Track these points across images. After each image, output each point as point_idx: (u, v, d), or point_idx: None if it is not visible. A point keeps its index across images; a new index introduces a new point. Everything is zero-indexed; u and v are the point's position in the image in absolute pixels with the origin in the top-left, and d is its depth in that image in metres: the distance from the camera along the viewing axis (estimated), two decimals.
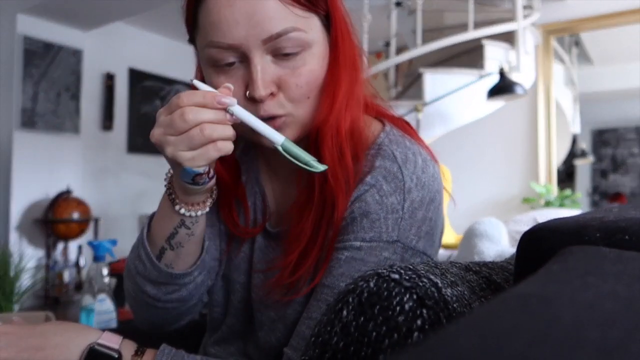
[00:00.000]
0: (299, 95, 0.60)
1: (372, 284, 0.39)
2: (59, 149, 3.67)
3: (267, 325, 0.70)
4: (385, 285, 0.39)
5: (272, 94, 0.59)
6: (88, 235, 3.66)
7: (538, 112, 3.58)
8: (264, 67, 0.58)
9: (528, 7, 3.22)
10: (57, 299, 3.41)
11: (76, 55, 3.75)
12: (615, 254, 0.34)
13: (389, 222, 0.61)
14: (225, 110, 0.55)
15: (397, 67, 3.58)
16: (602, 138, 4.19)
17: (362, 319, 0.38)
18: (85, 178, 3.88)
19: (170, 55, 4.33)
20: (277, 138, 0.57)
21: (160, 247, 0.66)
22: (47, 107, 3.58)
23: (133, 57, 4.25)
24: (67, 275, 3.52)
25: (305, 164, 0.56)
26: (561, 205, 3.27)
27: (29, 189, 3.51)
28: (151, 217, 0.69)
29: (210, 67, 0.61)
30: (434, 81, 2.94)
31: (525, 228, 0.42)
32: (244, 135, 0.62)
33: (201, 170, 0.57)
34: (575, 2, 3.47)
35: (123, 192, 4.08)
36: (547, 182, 3.53)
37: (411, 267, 0.42)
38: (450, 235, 3.00)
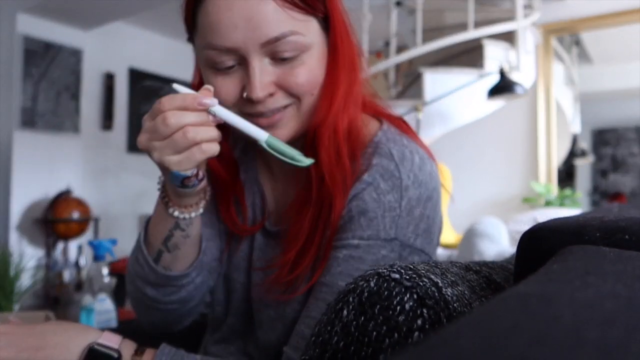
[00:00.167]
0: (302, 92, 0.60)
1: (372, 284, 0.39)
2: (59, 149, 3.67)
3: (267, 324, 0.70)
4: (385, 284, 0.39)
5: (270, 95, 0.59)
6: (88, 234, 3.66)
7: (538, 112, 3.58)
8: (262, 70, 0.58)
9: (528, 6, 3.22)
10: (57, 298, 3.41)
11: (76, 55, 3.74)
12: (616, 253, 0.34)
13: (386, 220, 0.61)
14: (207, 111, 0.55)
15: (397, 66, 3.58)
16: (602, 138, 4.19)
17: (362, 318, 0.38)
18: (85, 178, 3.88)
19: (170, 55, 4.33)
20: (261, 135, 0.57)
21: (158, 250, 0.67)
22: (47, 107, 3.58)
23: (133, 57, 4.24)
24: (67, 275, 3.52)
25: (292, 159, 0.56)
26: (561, 205, 3.27)
27: (29, 189, 3.51)
28: (148, 220, 0.69)
29: (208, 69, 0.61)
30: (434, 81, 2.94)
31: (525, 228, 0.42)
32: (242, 136, 0.63)
33: (189, 173, 0.57)
34: (576, 2, 3.47)
35: (123, 191, 4.08)
36: (547, 181, 3.53)
37: (411, 266, 0.42)
38: (451, 235, 3.00)
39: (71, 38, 3.71)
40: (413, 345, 0.23)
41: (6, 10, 3.41)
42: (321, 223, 0.63)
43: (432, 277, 0.41)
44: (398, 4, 3.41)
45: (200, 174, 0.60)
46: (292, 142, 0.63)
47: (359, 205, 0.62)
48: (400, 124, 0.70)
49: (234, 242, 0.76)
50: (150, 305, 0.71)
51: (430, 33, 3.29)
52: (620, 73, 3.84)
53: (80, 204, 3.56)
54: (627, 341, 0.19)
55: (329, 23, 0.62)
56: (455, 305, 0.39)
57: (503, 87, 2.66)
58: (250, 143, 0.70)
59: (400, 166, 0.62)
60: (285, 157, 0.57)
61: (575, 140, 3.97)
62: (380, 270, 0.40)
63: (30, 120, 3.49)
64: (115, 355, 0.56)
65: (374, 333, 0.37)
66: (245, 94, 0.59)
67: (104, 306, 1.22)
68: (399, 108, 2.81)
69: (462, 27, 3.00)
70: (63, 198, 3.52)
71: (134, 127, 4.17)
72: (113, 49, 4.09)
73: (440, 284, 0.40)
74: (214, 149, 0.56)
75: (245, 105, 0.60)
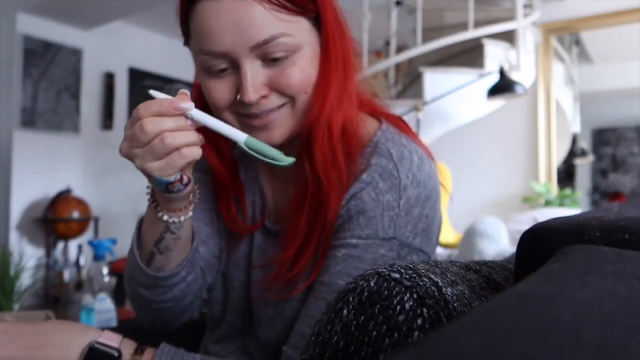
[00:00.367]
0: (294, 92, 0.60)
1: (372, 283, 0.39)
2: (59, 148, 3.67)
3: (266, 322, 0.70)
4: (385, 284, 0.39)
5: (263, 97, 0.60)
6: (88, 234, 3.66)
7: (538, 111, 3.58)
8: (253, 73, 0.58)
9: (528, 6, 3.22)
10: (57, 298, 3.40)
11: (76, 54, 3.74)
12: (615, 253, 0.34)
13: (384, 219, 0.61)
14: (185, 115, 0.55)
15: (397, 66, 3.58)
16: (602, 137, 4.19)
17: (362, 318, 0.38)
18: (85, 177, 3.87)
19: (170, 54, 4.33)
20: (240, 136, 0.57)
21: (150, 252, 0.67)
22: (47, 107, 3.58)
23: (133, 56, 4.24)
24: (67, 275, 3.52)
25: (272, 159, 0.56)
26: (561, 204, 3.27)
27: (29, 188, 3.51)
28: (140, 222, 0.69)
29: (204, 72, 0.62)
30: (434, 80, 2.94)
31: (525, 227, 0.42)
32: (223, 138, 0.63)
33: (172, 178, 0.57)
34: (576, 2, 3.47)
35: (123, 191, 4.08)
36: (547, 181, 3.53)
37: (411, 266, 0.42)
38: (451, 235, 3.00)
39: (71, 37, 3.71)
40: (413, 345, 0.23)
41: (6, 10, 3.41)
42: (319, 222, 0.63)
43: (432, 276, 0.41)
44: (398, 3, 3.41)
45: (185, 178, 0.60)
46: (289, 141, 0.63)
47: (358, 205, 0.62)
48: (399, 123, 0.71)
49: (234, 241, 0.77)
50: (144, 304, 0.71)
51: (430, 32, 3.29)
52: (620, 73, 3.84)
53: (80, 204, 3.56)
54: (627, 341, 0.19)
55: (321, 22, 0.62)
56: (455, 304, 0.39)
57: (503, 86, 2.66)
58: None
59: (399, 166, 0.62)
60: (265, 158, 0.57)
61: (575, 139, 3.96)
62: (380, 270, 0.40)
63: (30, 120, 3.49)
64: (115, 354, 0.56)
65: (374, 332, 0.37)
66: (239, 97, 0.60)
67: (104, 306, 1.22)
68: (399, 108, 2.81)
69: (462, 26, 2.99)
70: (63, 198, 3.52)
71: None
72: (113, 49, 4.08)
73: (440, 284, 0.40)
74: (195, 153, 0.56)
75: (240, 107, 0.61)
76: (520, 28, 2.98)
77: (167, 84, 4.43)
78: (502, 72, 2.69)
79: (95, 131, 3.99)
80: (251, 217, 0.76)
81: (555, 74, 3.65)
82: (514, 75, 2.79)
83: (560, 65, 3.81)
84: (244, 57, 0.58)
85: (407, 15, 3.56)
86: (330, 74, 0.62)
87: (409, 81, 3.43)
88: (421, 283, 0.39)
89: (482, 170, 3.71)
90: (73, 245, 3.67)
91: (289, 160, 0.56)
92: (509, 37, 3.04)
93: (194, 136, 0.56)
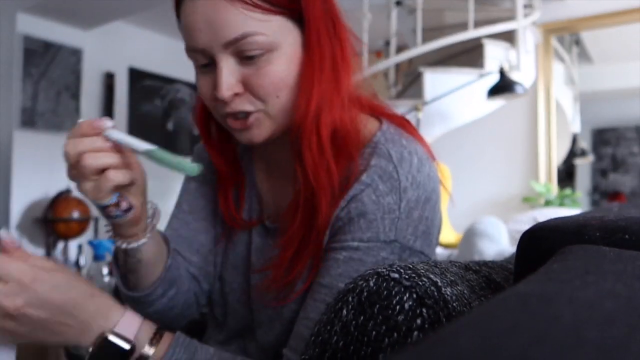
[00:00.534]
0: (265, 95, 0.61)
1: (371, 283, 0.39)
2: (59, 148, 3.56)
3: (265, 324, 0.70)
4: (385, 284, 0.39)
5: (238, 94, 0.60)
6: (88, 234, 3.66)
7: (538, 111, 3.58)
8: (228, 69, 0.59)
9: (528, 6, 3.22)
10: None
11: (76, 54, 3.74)
12: (615, 253, 0.34)
13: (385, 222, 0.61)
14: (104, 136, 0.55)
15: (397, 66, 3.58)
16: (602, 137, 4.19)
17: (361, 318, 0.38)
18: None
19: (170, 54, 4.33)
20: (146, 147, 0.56)
21: (123, 273, 0.69)
22: (47, 107, 3.58)
23: (133, 56, 4.24)
24: None
25: (179, 169, 0.56)
26: (561, 204, 3.28)
27: (29, 188, 3.51)
28: None
29: (195, 67, 0.64)
30: (434, 80, 2.94)
31: (525, 227, 0.42)
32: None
33: (105, 202, 0.57)
34: (576, 1, 3.47)
35: None
36: (547, 181, 3.53)
37: (411, 266, 0.42)
38: (450, 235, 3.00)
39: (71, 37, 3.71)
40: (412, 345, 0.23)
41: (6, 10, 3.40)
42: (314, 223, 0.63)
43: (432, 276, 0.40)
44: (398, 3, 3.41)
45: (124, 204, 0.59)
46: (276, 139, 0.64)
47: (358, 207, 0.61)
48: (401, 123, 0.70)
49: (232, 245, 0.77)
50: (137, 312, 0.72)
51: (430, 32, 3.29)
52: (620, 73, 3.84)
53: (80, 204, 3.56)
54: (627, 341, 0.19)
55: (304, 22, 0.61)
56: (454, 304, 0.39)
57: (503, 86, 2.66)
58: (247, 146, 0.72)
59: (398, 167, 0.62)
60: (173, 168, 0.56)
61: (575, 139, 3.97)
62: (380, 270, 0.40)
63: (30, 120, 3.49)
64: (127, 347, 0.55)
65: (374, 332, 0.37)
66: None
67: None
68: (399, 108, 2.81)
69: (462, 26, 2.99)
70: (63, 197, 3.52)
71: (134, 126, 4.17)
72: (113, 49, 4.09)
73: (440, 284, 0.40)
74: (119, 177, 0.56)
75: (219, 107, 0.62)
76: (520, 28, 2.98)
77: (167, 84, 4.43)
78: (502, 72, 2.69)
79: None
80: (247, 220, 0.76)
81: (555, 74, 3.66)
82: (514, 75, 2.79)
83: (560, 65, 3.81)
84: (219, 53, 0.59)
85: (407, 15, 3.56)
86: (315, 74, 0.61)
87: (409, 81, 3.43)
88: (420, 283, 0.39)
89: (482, 170, 3.71)
90: (73, 245, 3.67)
91: (194, 169, 0.55)
92: (509, 37, 3.04)
93: (112, 158, 0.56)
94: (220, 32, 0.57)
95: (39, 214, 3.53)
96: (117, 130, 0.56)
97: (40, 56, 3.54)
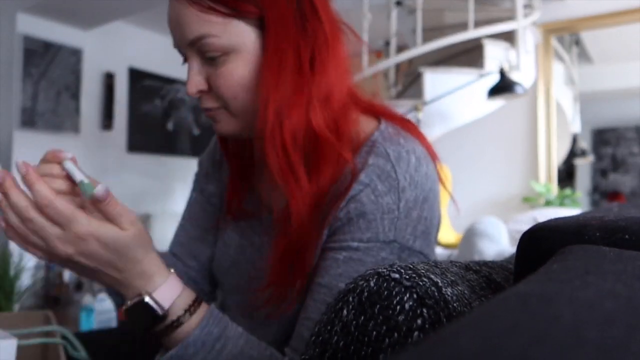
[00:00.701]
0: (223, 95, 0.63)
1: (372, 283, 0.39)
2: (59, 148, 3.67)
3: (264, 324, 0.70)
4: (385, 284, 0.39)
5: (203, 91, 0.64)
6: None
7: (538, 112, 3.58)
8: (196, 67, 0.63)
9: (528, 6, 3.22)
10: (57, 298, 3.40)
11: (76, 54, 3.74)
12: (615, 253, 0.34)
13: (385, 222, 0.61)
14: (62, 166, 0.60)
15: (397, 66, 3.58)
16: (602, 137, 4.19)
17: (362, 318, 0.38)
18: None
19: (170, 54, 4.30)
20: (80, 179, 0.59)
21: None
22: (47, 107, 3.58)
23: (133, 56, 4.24)
24: (67, 275, 3.52)
25: (83, 192, 0.57)
26: (561, 204, 3.28)
27: None
28: None
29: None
30: (434, 80, 2.94)
31: (525, 227, 0.42)
32: (241, 136, 0.67)
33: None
34: (576, 2, 3.47)
35: (123, 191, 4.07)
36: (547, 181, 3.53)
37: (411, 266, 0.42)
38: (450, 235, 3.00)
39: (71, 38, 3.71)
40: (413, 345, 0.23)
41: (6, 10, 3.40)
42: (288, 229, 0.64)
43: (432, 276, 0.41)
44: (398, 3, 3.41)
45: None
46: (244, 139, 0.69)
47: (357, 208, 0.61)
48: (402, 122, 0.70)
49: (231, 246, 0.77)
50: None
51: (430, 33, 3.29)
52: (620, 73, 3.84)
53: None
54: (627, 341, 0.19)
55: (265, 25, 0.60)
56: (455, 304, 0.39)
57: (503, 86, 2.66)
58: (247, 147, 0.74)
59: (396, 167, 0.62)
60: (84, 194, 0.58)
61: (575, 139, 3.97)
62: (380, 270, 0.40)
63: (30, 120, 3.49)
64: (160, 313, 0.57)
65: (374, 333, 0.37)
66: None
67: (104, 306, 1.22)
68: (399, 108, 2.81)
69: (462, 26, 3.00)
70: None
71: (134, 126, 4.17)
72: (113, 49, 4.08)
73: (440, 284, 0.40)
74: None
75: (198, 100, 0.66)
76: (520, 28, 2.98)
77: (167, 84, 4.43)
78: (502, 72, 2.69)
79: (95, 131, 3.99)
80: (249, 206, 0.78)
81: (555, 74, 3.66)
82: (514, 76, 2.79)
83: (560, 65, 3.81)
84: (188, 51, 0.63)
85: (407, 15, 3.56)
86: (272, 78, 0.60)
87: (409, 81, 3.43)
88: (421, 283, 0.39)
89: (482, 170, 3.71)
90: None
91: (90, 192, 0.56)
92: (509, 37, 3.04)
93: (63, 185, 0.59)
94: (183, 32, 0.61)
95: None
96: (72, 163, 0.61)
97: (40, 56, 3.54)
